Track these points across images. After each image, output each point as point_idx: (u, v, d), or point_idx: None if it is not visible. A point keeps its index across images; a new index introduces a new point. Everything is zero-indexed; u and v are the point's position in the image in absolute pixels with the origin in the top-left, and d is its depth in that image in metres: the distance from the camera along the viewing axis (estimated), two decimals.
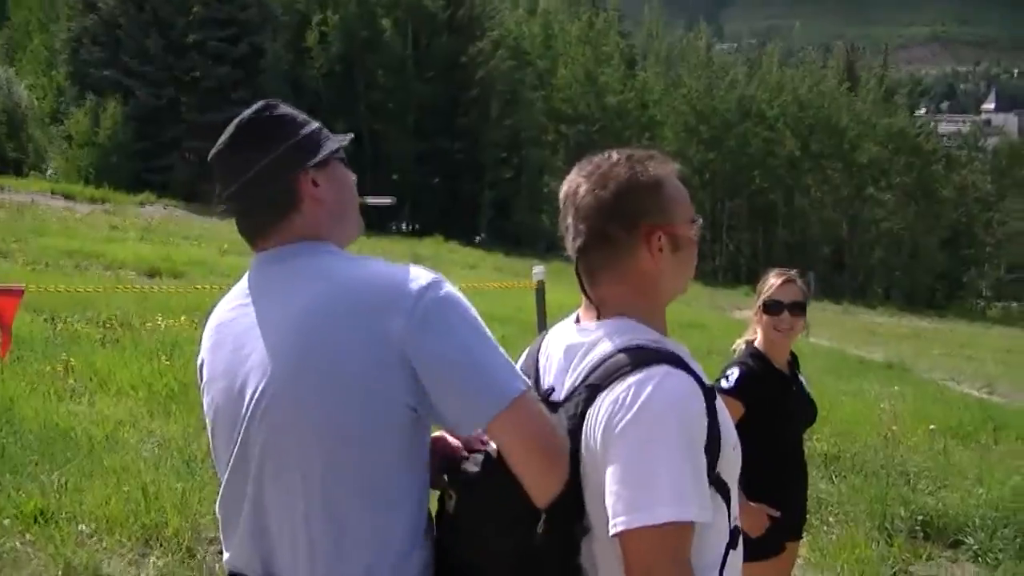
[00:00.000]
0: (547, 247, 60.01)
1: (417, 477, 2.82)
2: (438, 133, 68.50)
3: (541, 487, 2.65)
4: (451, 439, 2.95)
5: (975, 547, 8.91)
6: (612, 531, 2.54)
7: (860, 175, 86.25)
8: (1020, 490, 10.37)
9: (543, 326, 9.29)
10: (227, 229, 37.34)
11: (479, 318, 2.76)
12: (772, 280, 5.75)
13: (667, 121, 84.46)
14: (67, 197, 45.30)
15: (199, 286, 17.48)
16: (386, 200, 3.19)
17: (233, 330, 2.96)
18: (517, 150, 75.56)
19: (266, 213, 2.94)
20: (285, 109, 3.00)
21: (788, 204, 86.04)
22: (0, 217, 32.62)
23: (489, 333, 2.75)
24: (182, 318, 16.22)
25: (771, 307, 5.65)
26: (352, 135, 3.17)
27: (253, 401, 2.82)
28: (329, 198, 2.95)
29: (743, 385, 5.44)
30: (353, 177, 3.10)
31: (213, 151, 2.97)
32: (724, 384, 5.45)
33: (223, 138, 2.97)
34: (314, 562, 2.76)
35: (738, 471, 2.80)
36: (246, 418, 2.84)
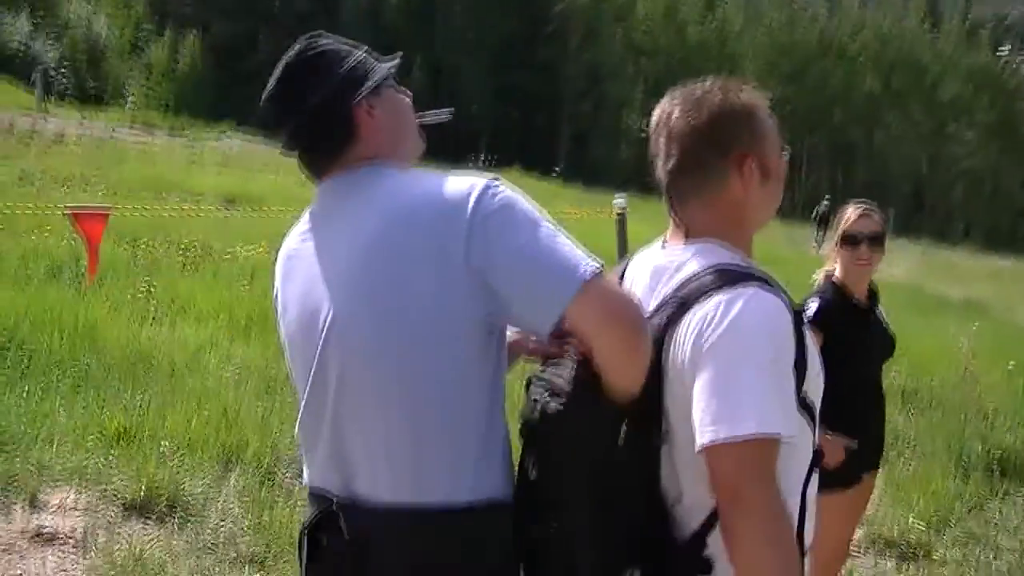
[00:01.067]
0: (625, 180, 59.81)
1: (494, 389, 2.85)
2: (516, 67, 68.37)
3: (625, 368, 2.64)
4: (528, 342, 3.00)
5: None
6: (699, 444, 2.54)
7: (941, 112, 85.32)
8: None
9: (624, 256, 9.30)
10: None
11: (538, 211, 2.77)
12: (850, 213, 5.70)
13: (747, 55, 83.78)
14: (147, 128, 45.62)
15: (278, 212, 17.55)
16: (443, 114, 3.19)
17: (302, 260, 3.01)
18: (596, 84, 75.25)
19: (326, 147, 2.97)
20: (328, 43, 3.01)
21: (868, 141, 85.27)
22: (81, 148, 32.88)
23: (551, 224, 2.75)
24: (262, 245, 16.30)
25: (849, 240, 5.61)
26: (400, 55, 3.14)
27: (326, 327, 2.85)
28: (387, 124, 2.98)
29: (822, 317, 5.42)
30: (408, 98, 3.11)
31: (265, 95, 3.00)
32: (804, 315, 5.41)
33: (272, 81, 2.99)
34: (396, 477, 2.79)
35: (821, 394, 2.79)
36: (320, 344, 2.87)
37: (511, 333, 2.97)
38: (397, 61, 3.09)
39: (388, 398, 2.78)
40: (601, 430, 2.67)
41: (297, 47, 3.00)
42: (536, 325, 2.72)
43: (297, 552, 3.01)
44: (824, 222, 41.46)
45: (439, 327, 2.73)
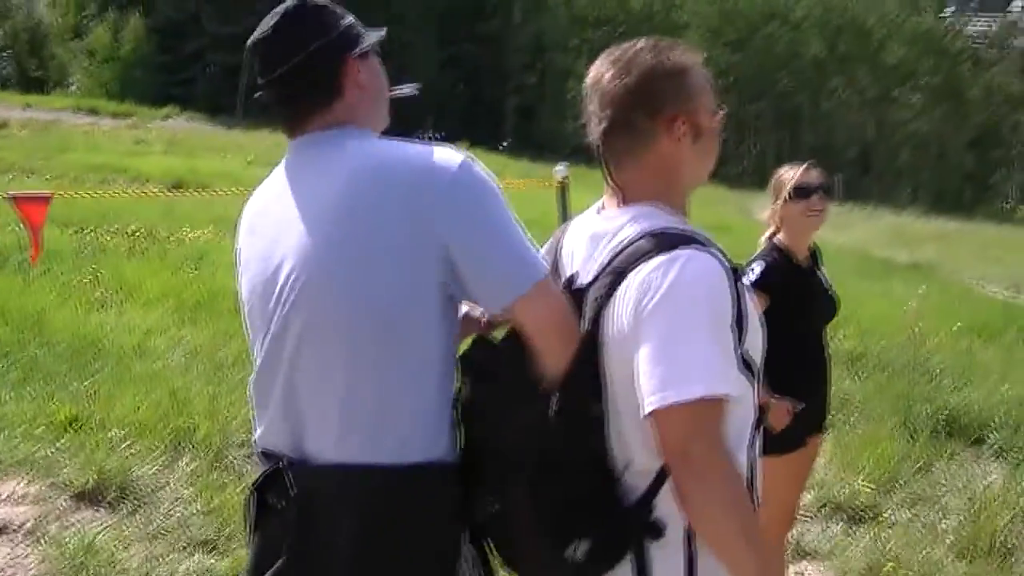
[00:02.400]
0: (572, 152, 59.77)
1: (449, 352, 2.89)
2: (461, 39, 68.15)
3: (552, 363, 2.73)
4: (474, 314, 3.04)
5: (998, 444, 8.94)
6: (645, 409, 2.55)
7: (887, 77, 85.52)
8: None
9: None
10: (252, 141, 37.30)
11: (505, 201, 2.84)
12: (791, 171, 5.70)
13: (692, 23, 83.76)
14: (91, 113, 45.27)
15: (225, 194, 17.49)
16: (410, 89, 3.23)
17: (269, 215, 3.03)
18: (541, 55, 75.15)
19: (311, 98, 2.99)
20: (322, 2, 3.05)
21: (814, 106, 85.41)
22: (25, 135, 32.65)
23: (514, 217, 2.83)
24: (208, 228, 16.27)
25: (801, 191, 5.58)
26: (385, 29, 3.18)
27: (289, 282, 2.88)
28: (368, 88, 3.02)
29: (767, 279, 5.43)
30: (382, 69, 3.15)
31: (253, 37, 3.02)
32: (747, 278, 5.42)
33: (264, 25, 3.01)
34: (349, 435, 2.82)
35: (762, 351, 2.82)
36: (283, 299, 2.90)
37: (464, 307, 3.01)
38: (383, 32, 3.13)
39: (352, 356, 2.82)
40: (532, 403, 2.71)
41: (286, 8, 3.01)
42: (484, 306, 2.84)
43: (244, 513, 3.04)
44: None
45: (405, 289, 2.78)
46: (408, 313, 2.80)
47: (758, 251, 5.72)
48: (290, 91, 3.00)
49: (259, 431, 3.05)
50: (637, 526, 2.68)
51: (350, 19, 3.06)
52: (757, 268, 5.51)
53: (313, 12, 3.01)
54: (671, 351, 2.55)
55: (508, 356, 2.83)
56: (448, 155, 2.85)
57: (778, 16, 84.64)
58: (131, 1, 60.45)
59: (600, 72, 2.88)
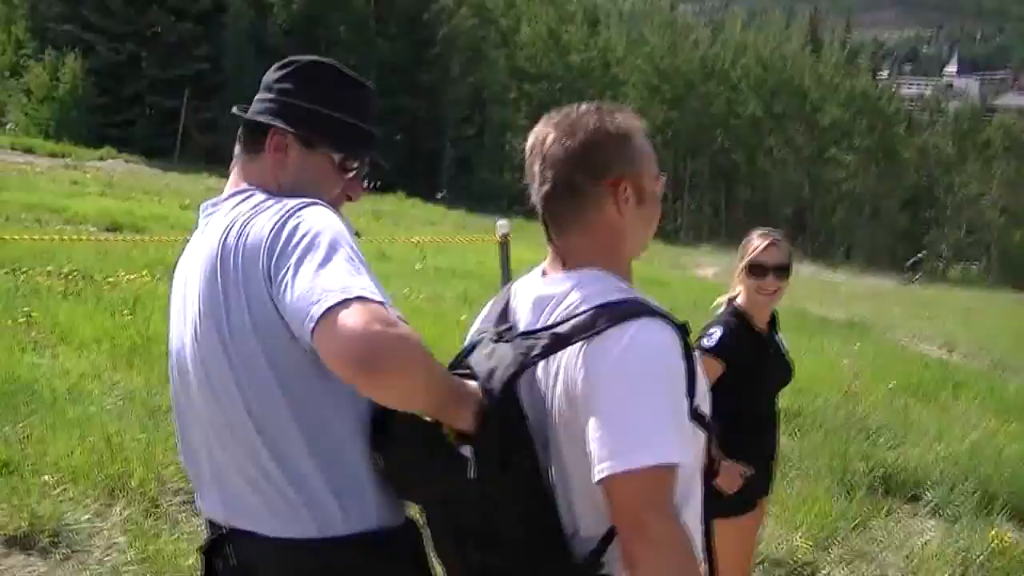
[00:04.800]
0: (509, 204, 59.89)
1: (353, 415, 2.84)
2: (399, 90, 68.24)
3: (374, 392, 2.61)
4: None
5: (935, 501, 9.00)
6: (596, 477, 2.54)
7: (822, 136, 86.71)
8: (979, 446, 10.48)
9: (507, 280, 9.27)
10: (188, 184, 37.21)
11: (333, 238, 2.72)
12: (756, 242, 5.69)
13: (630, 80, 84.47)
14: (27, 151, 44.92)
15: (161, 240, 17.38)
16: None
17: (177, 283, 3.09)
18: (479, 108, 75.46)
19: (243, 138, 3.10)
20: (349, 86, 3.15)
21: (750, 164, 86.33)
22: None
23: (347, 250, 2.71)
24: (144, 272, 16.12)
25: (756, 270, 5.61)
26: (371, 156, 3.20)
27: (179, 361, 2.95)
28: (289, 172, 3.03)
29: (724, 344, 5.45)
30: (350, 190, 3.15)
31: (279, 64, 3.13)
32: (706, 343, 5.44)
33: (289, 63, 3.13)
34: (269, 511, 2.81)
35: (710, 406, 2.80)
36: (179, 376, 2.97)
37: None
38: (368, 154, 3.17)
39: (243, 433, 2.81)
40: (442, 469, 2.69)
41: (332, 62, 3.14)
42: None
43: (199, 571, 3.05)
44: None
45: (269, 355, 2.76)
46: (284, 386, 2.77)
47: (719, 313, 5.71)
48: (243, 122, 3.10)
49: (197, 497, 3.07)
50: None
51: (347, 117, 3.08)
52: (716, 334, 5.53)
53: (310, 76, 3.09)
54: (623, 419, 2.54)
55: (405, 427, 2.77)
56: (281, 210, 2.81)
57: (716, 75, 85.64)
58: (70, 41, 60.12)
59: (543, 134, 2.87)
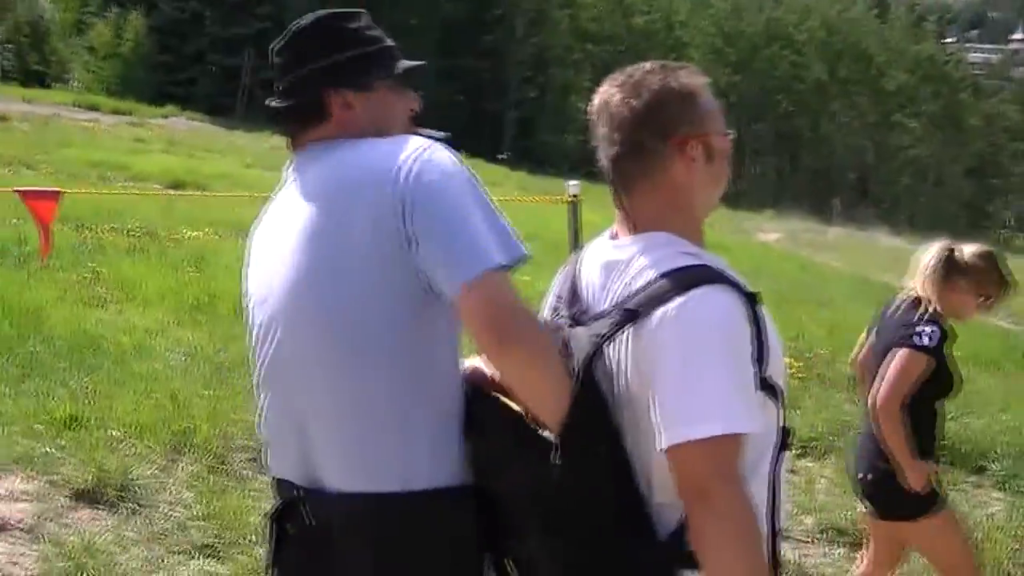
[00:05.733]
0: (571, 167, 59.80)
1: (446, 372, 2.84)
2: (462, 51, 68.22)
3: (497, 366, 2.71)
4: (485, 368, 2.91)
5: (1000, 473, 8.91)
6: (660, 446, 2.53)
7: (887, 102, 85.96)
8: None
9: (577, 242, 9.22)
10: (251, 142, 37.34)
11: (474, 184, 2.78)
12: (974, 258, 5.59)
13: (693, 43, 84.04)
14: (91, 109, 45.24)
15: (223, 197, 17.46)
16: (439, 135, 3.22)
17: (260, 240, 3.06)
18: (542, 69, 75.28)
19: (301, 116, 3.01)
20: (346, 22, 3.04)
21: (814, 129, 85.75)
22: (25, 129, 32.61)
23: (483, 200, 2.76)
24: (207, 229, 16.24)
25: (988, 297, 5.58)
26: (418, 64, 3.19)
27: (276, 307, 2.90)
28: (362, 122, 2.97)
29: (940, 345, 5.41)
30: (410, 105, 3.12)
31: (272, 44, 3.07)
32: (924, 341, 5.36)
33: (283, 36, 3.05)
34: (350, 465, 2.80)
35: (785, 373, 2.78)
36: (273, 326, 2.91)
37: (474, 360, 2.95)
38: (411, 64, 3.13)
39: (335, 377, 2.79)
40: (530, 455, 2.66)
41: (317, 14, 3.06)
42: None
43: (267, 540, 3.04)
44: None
45: (377, 293, 2.74)
46: (387, 323, 2.75)
47: (928, 313, 5.57)
48: (282, 110, 3.02)
49: (271, 459, 3.05)
50: (670, 558, 2.64)
51: (371, 47, 3.05)
52: (935, 334, 5.41)
53: (321, 34, 3.03)
54: (687, 388, 2.52)
55: (498, 408, 2.77)
56: (409, 144, 2.81)
57: (780, 38, 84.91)
58: None
59: (608, 95, 2.83)
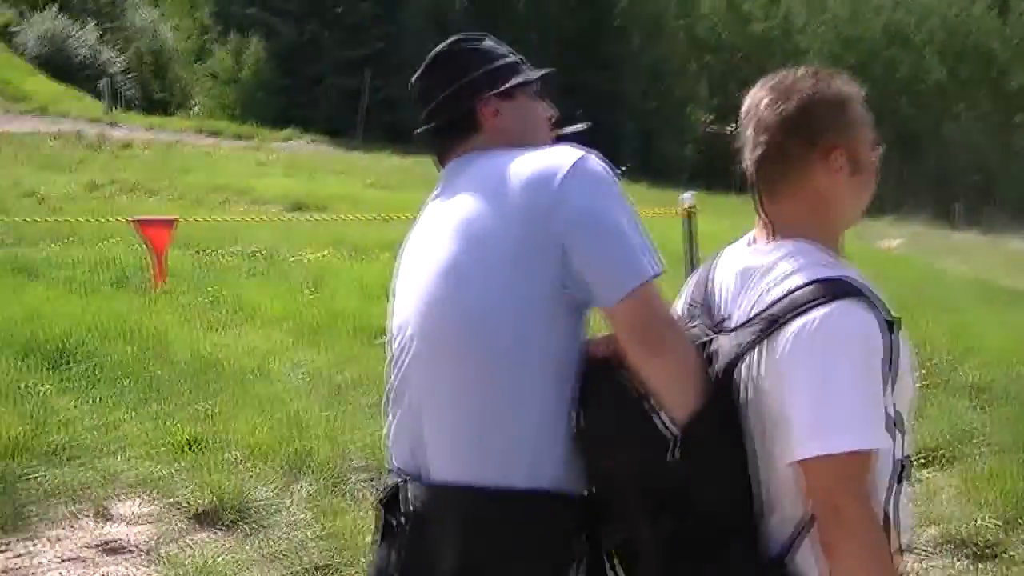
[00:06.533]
0: (690, 178, 59.59)
1: (564, 367, 2.85)
2: (580, 65, 68.25)
3: (644, 373, 2.69)
4: (598, 347, 2.92)
5: None
6: (794, 457, 2.53)
7: (1010, 102, 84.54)
8: None
9: (693, 254, 9.16)
10: (372, 162, 37.62)
11: (623, 195, 2.87)
12: None
13: (811, 49, 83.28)
14: (213, 134, 45.89)
15: (344, 218, 17.61)
16: (581, 127, 3.41)
17: (411, 244, 3.16)
18: (659, 81, 75.14)
19: (452, 133, 3.15)
20: (477, 43, 3.23)
21: (935, 132, 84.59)
22: (148, 155, 33.14)
23: (632, 212, 2.84)
24: (327, 250, 16.37)
25: None
26: (548, 71, 3.34)
27: (413, 299, 2.99)
28: (512, 126, 3.11)
29: None
30: (548, 112, 3.28)
31: (414, 77, 3.26)
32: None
33: (421, 67, 3.23)
34: (456, 454, 2.85)
35: (912, 400, 2.76)
36: (407, 318, 3.01)
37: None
38: (542, 72, 3.29)
39: (457, 368, 2.84)
40: (645, 438, 2.67)
41: (449, 40, 3.24)
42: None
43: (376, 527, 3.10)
44: None
45: (513, 296, 2.80)
46: (515, 320, 2.80)
47: None
48: (436, 127, 3.17)
49: (392, 446, 3.10)
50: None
51: (503, 61, 3.20)
52: None
53: (458, 56, 3.19)
54: (823, 400, 2.50)
55: (621, 385, 2.75)
56: (563, 153, 2.90)
57: (899, 41, 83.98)
58: (253, 25, 61.21)
59: (758, 98, 2.83)
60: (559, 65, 70.03)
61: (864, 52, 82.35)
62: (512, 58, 3.23)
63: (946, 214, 67.82)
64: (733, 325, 2.74)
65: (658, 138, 72.84)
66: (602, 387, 2.80)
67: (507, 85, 3.14)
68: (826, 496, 2.50)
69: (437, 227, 3.00)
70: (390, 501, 3.00)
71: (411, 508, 2.90)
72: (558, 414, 2.82)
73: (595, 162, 2.90)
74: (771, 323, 2.61)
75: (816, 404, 2.51)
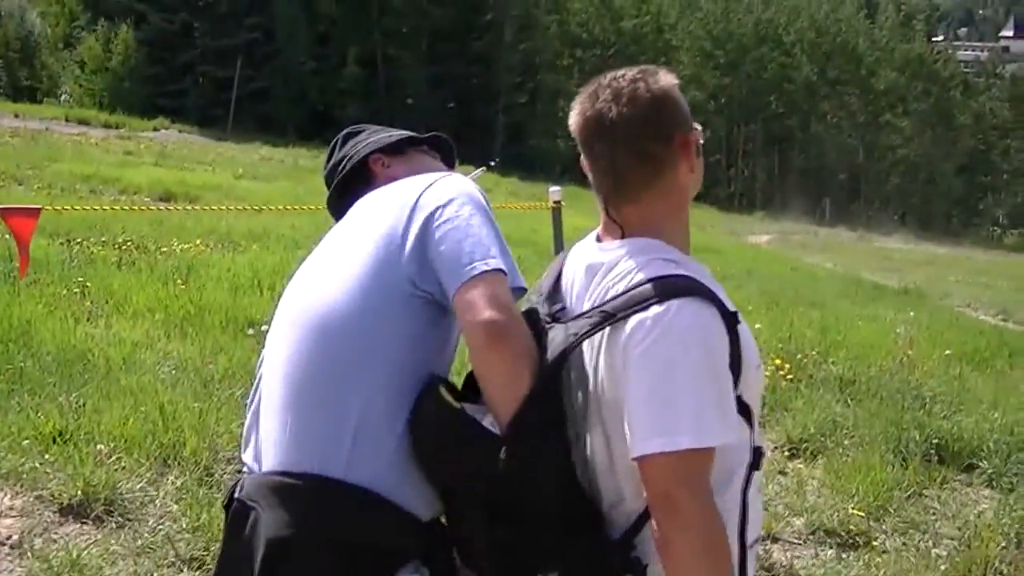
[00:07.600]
0: (562, 171, 59.83)
1: (409, 370, 2.89)
2: (452, 58, 68.24)
3: (479, 358, 2.76)
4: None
5: (990, 471, 8.90)
6: (633, 454, 2.55)
7: (877, 101, 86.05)
8: None
9: (560, 247, 9.21)
10: (241, 154, 37.35)
11: (486, 208, 3.02)
12: None
13: (683, 46, 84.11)
14: (81, 123, 45.23)
15: (214, 208, 17.45)
16: (480, 172, 3.75)
17: (323, 244, 3.29)
18: (532, 75, 75.34)
19: (348, 190, 3.49)
20: (368, 126, 3.73)
21: (804, 130, 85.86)
22: (15, 144, 32.58)
23: (491, 221, 2.98)
24: (197, 242, 16.22)
25: None
26: (436, 133, 3.79)
27: (288, 302, 3.14)
28: (401, 175, 3.32)
29: None
30: (438, 165, 3.61)
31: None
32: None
33: (327, 153, 3.73)
34: (283, 443, 2.91)
35: (760, 392, 2.81)
36: (278, 323, 3.13)
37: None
38: (431, 134, 3.73)
39: (296, 370, 2.93)
40: (471, 460, 2.74)
41: (345, 131, 3.73)
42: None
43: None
44: None
45: (368, 288, 2.91)
46: (361, 322, 2.87)
47: None
48: (336, 185, 3.59)
49: (242, 447, 3.17)
50: (617, 562, 2.67)
51: (391, 131, 3.64)
52: None
53: (355, 131, 3.69)
54: (662, 398, 2.53)
55: (439, 400, 2.81)
56: (435, 174, 3.16)
57: (769, 40, 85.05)
58: (122, 12, 60.34)
59: (597, 110, 2.81)
60: (431, 56, 69.87)
61: (734, 50, 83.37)
62: (404, 132, 3.61)
63: (814, 211, 68.92)
64: (570, 316, 2.78)
65: (530, 132, 73.14)
66: (423, 404, 2.83)
67: (393, 139, 3.54)
68: (663, 492, 2.52)
69: (320, 249, 3.17)
70: (230, 498, 3.06)
71: (243, 498, 2.94)
72: (385, 417, 2.85)
73: (459, 178, 3.12)
74: (607, 317, 2.63)
75: (652, 402, 2.53)
